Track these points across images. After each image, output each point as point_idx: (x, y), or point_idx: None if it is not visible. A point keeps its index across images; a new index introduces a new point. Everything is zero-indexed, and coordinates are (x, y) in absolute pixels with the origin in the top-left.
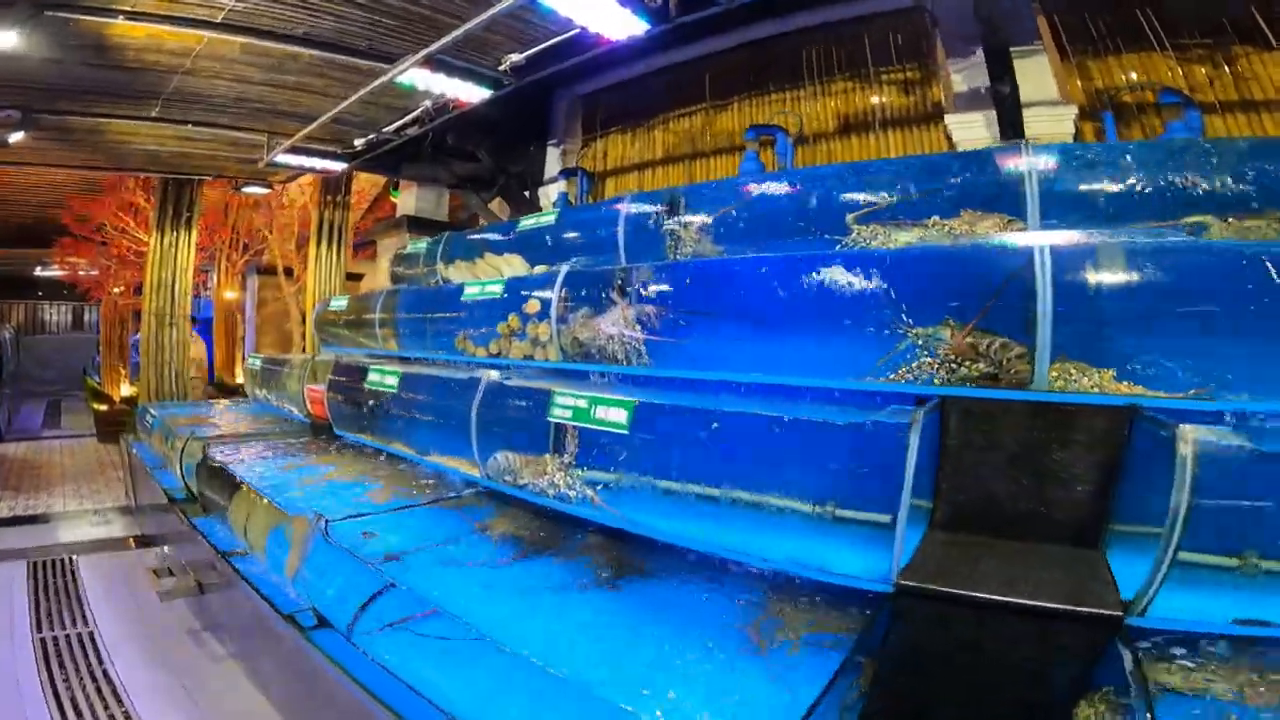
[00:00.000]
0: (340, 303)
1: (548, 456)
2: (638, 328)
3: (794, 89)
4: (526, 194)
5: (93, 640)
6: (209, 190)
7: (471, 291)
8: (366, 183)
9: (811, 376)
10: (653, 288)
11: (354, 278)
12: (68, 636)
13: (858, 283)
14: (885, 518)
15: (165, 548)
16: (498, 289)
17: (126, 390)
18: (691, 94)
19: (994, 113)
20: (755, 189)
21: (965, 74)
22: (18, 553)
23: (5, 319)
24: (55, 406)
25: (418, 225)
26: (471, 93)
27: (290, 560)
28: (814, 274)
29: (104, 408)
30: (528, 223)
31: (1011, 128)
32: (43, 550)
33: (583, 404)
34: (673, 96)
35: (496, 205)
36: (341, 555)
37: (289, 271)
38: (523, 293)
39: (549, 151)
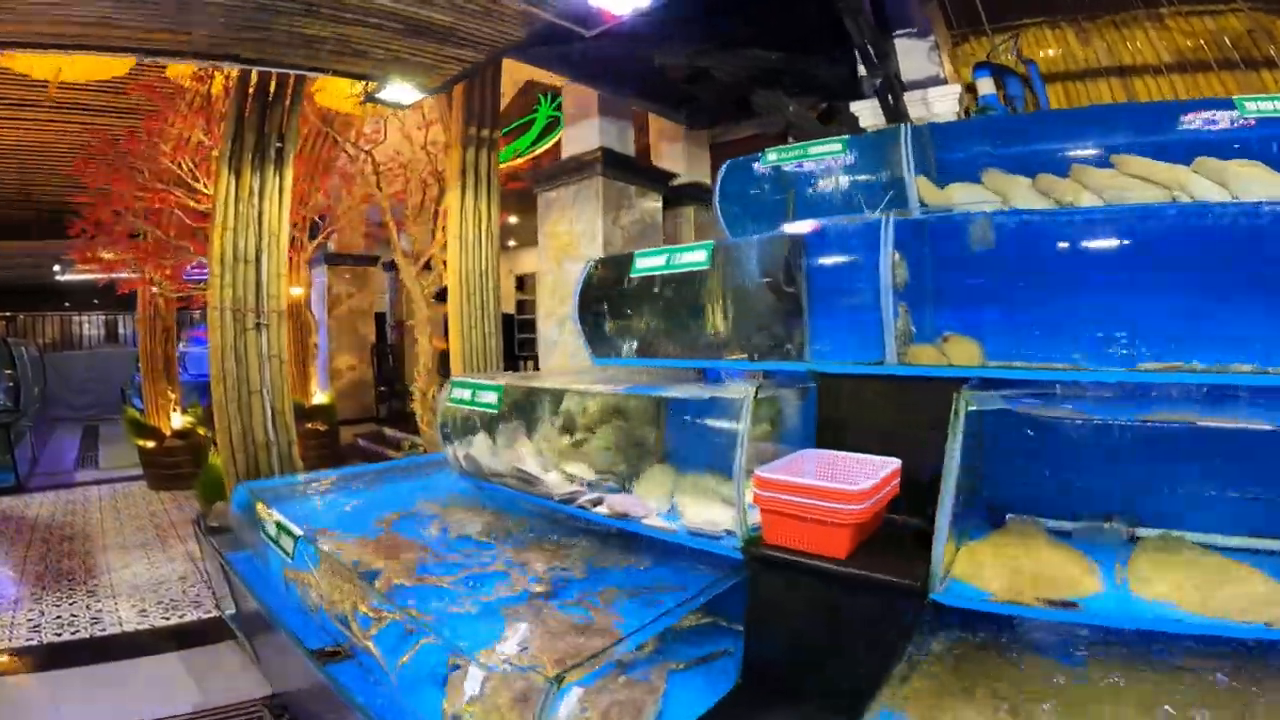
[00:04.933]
0: (692, 256)
1: None
2: None
3: None
4: (890, 100)
5: None
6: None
7: None
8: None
9: None
10: None
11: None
12: None
13: None
14: None
15: None
16: None
17: (178, 421)
18: None
19: None
20: None
21: None
22: None
23: (30, 334)
24: (92, 435)
25: (614, 165)
26: None
27: None
28: None
29: (151, 444)
30: None
31: None
32: None
33: None
34: None
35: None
36: None
37: (405, 252)
38: None
39: (908, 45)
